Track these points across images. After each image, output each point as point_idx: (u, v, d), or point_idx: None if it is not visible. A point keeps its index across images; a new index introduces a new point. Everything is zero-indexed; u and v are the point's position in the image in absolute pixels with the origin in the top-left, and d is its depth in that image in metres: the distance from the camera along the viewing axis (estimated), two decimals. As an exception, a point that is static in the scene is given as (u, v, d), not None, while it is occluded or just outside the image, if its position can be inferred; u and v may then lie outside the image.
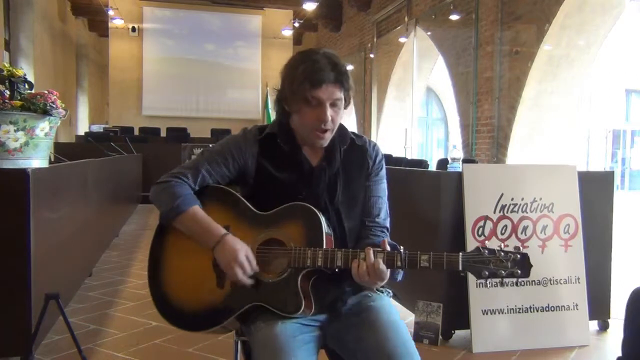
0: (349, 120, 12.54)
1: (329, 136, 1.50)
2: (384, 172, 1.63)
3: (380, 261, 1.34)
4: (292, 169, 1.51)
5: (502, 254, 1.32)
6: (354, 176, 1.56)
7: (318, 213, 1.42)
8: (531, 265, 1.31)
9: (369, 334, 1.38)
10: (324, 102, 1.44)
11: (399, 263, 1.35)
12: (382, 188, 1.62)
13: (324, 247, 1.40)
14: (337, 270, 1.39)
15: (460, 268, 1.32)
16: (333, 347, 1.49)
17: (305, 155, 1.53)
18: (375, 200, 1.59)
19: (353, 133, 1.61)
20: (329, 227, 1.46)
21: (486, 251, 1.32)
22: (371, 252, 1.35)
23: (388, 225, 1.61)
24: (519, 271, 1.30)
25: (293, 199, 1.46)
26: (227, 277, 1.43)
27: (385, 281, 1.38)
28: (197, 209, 1.48)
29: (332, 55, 1.45)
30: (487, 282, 1.34)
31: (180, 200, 1.46)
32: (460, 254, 1.33)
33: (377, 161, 1.61)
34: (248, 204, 1.49)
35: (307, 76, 1.41)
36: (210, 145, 1.61)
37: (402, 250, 1.36)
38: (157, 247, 1.54)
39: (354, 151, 1.58)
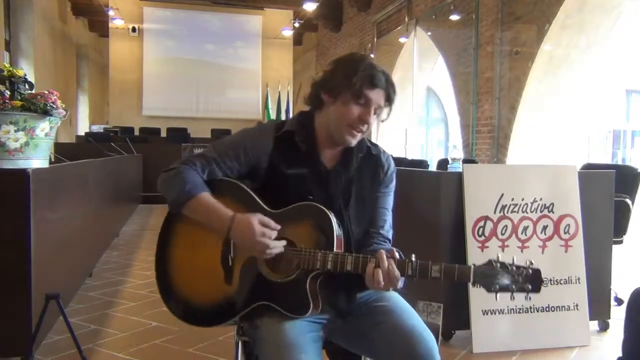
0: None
1: (359, 138, 1.51)
2: (393, 184, 1.64)
3: (394, 266, 1.33)
4: (305, 169, 1.50)
5: (514, 268, 1.29)
6: (366, 184, 1.56)
7: (330, 214, 1.41)
8: (542, 281, 1.28)
9: (385, 317, 1.42)
10: (371, 104, 1.47)
11: (409, 272, 1.33)
12: (390, 200, 1.62)
13: (334, 249, 1.39)
14: (345, 273, 1.38)
15: (472, 280, 1.31)
16: (340, 342, 1.49)
17: (321, 157, 1.53)
18: (382, 211, 1.59)
19: (369, 141, 1.62)
20: (340, 228, 1.45)
21: (498, 264, 1.30)
22: (384, 256, 1.34)
23: (391, 237, 1.61)
24: (530, 286, 1.28)
25: (303, 199, 1.45)
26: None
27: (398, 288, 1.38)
28: (207, 194, 1.46)
29: (384, 70, 1.50)
30: (497, 296, 1.30)
31: (190, 185, 1.45)
32: (472, 265, 1.31)
33: (388, 172, 1.61)
34: (259, 201, 1.47)
35: (368, 75, 1.44)
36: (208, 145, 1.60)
37: (413, 259, 1.34)
38: (165, 240, 1.53)
39: (370, 159, 1.59)
